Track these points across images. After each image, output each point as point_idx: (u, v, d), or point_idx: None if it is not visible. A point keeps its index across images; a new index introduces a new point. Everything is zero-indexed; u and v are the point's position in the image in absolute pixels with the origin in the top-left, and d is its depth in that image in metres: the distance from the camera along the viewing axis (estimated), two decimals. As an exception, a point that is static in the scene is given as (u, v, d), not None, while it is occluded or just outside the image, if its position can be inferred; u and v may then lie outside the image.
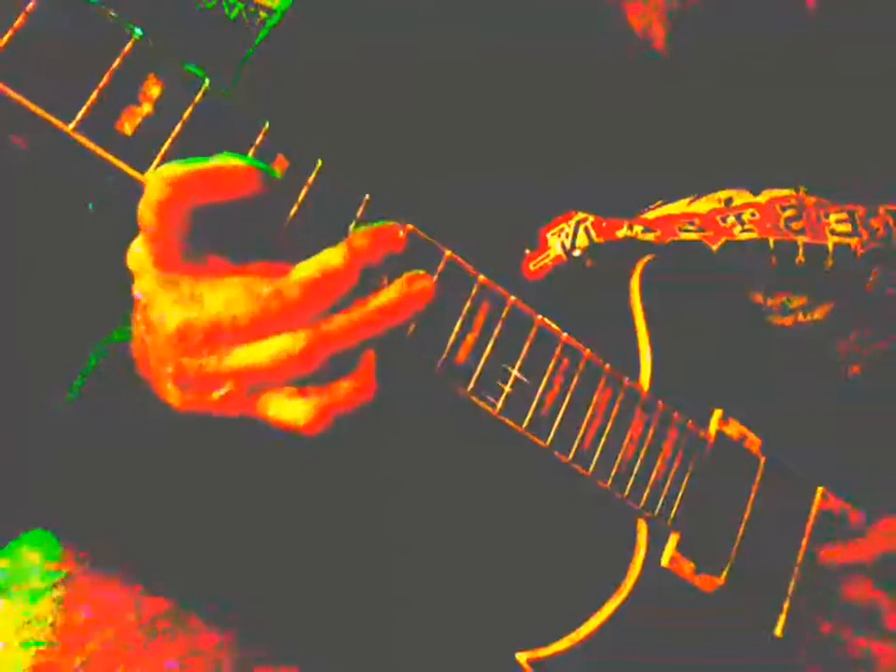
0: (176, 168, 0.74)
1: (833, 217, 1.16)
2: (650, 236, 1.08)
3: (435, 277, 0.86)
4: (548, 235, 1.06)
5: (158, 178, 0.74)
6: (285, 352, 0.76)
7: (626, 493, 1.00)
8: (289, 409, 0.77)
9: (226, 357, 0.76)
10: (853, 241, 1.16)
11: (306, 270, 0.77)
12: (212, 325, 0.76)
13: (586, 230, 1.07)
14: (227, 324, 0.76)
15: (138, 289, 0.78)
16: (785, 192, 1.15)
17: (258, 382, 0.77)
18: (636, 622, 1.01)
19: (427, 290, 0.81)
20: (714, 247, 1.11)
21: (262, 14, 1.13)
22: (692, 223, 1.11)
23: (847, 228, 1.16)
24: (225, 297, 0.76)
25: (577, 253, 1.07)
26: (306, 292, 0.76)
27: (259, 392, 0.78)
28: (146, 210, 0.74)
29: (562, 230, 1.06)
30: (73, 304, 1.00)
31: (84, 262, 1.01)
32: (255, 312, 0.76)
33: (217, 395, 0.77)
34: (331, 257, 0.77)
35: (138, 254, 0.77)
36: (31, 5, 0.71)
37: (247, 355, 0.76)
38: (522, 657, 0.98)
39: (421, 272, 0.81)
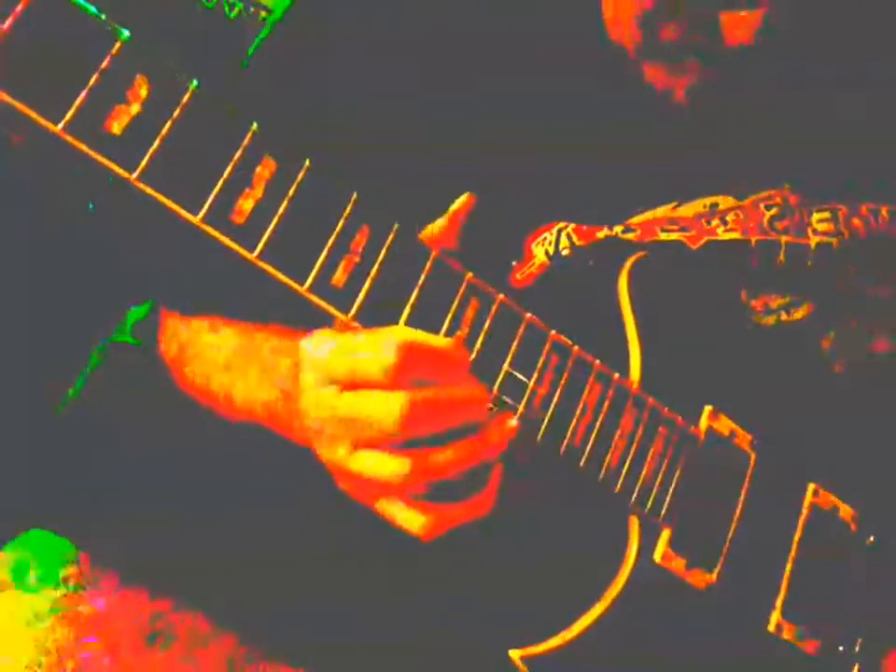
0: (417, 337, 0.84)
1: (815, 217, 1.17)
2: (630, 235, 1.10)
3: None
4: (532, 246, 1.08)
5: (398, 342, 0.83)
6: (395, 475, 0.87)
7: (618, 489, 1.00)
8: (410, 519, 0.90)
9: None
10: (835, 240, 1.17)
11: None
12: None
13: (568, 235, 1.08)
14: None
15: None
16: (769, 192, 1.16)
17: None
18: (628, 618, 1.01)
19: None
20: (695, 247, 1.12)
21: (262, 14, 1.14)
22: (673, 224, 1.12)
23: (829, 227, 1.17)
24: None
25: (565, 252, 1.08)
26: None
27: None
28: (376, 367, 0.83)
29: (545, 238, 1.08)
30: (73, 304, 1.01)
31: (85, 262, 1.01)
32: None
33: None
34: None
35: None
36: (20, 6, 0.72)
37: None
38: (515, 654, 0.98)
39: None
